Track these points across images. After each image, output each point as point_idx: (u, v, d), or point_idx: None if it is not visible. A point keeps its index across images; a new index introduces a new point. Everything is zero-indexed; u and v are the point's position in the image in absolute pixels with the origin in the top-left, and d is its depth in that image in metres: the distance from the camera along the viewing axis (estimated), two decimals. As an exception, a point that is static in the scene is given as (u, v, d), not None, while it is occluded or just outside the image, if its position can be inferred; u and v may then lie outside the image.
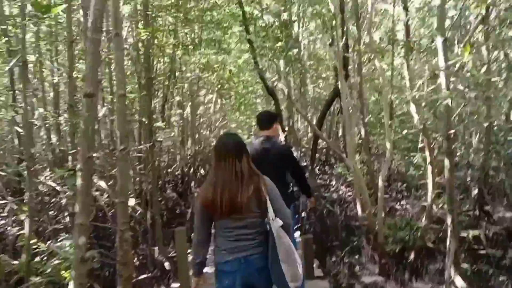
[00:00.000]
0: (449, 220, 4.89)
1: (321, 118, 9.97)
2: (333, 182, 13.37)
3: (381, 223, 7.45)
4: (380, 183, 7.47)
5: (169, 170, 15.15)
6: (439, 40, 4.68)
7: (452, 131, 4.80)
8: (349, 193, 13.24)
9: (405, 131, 8.76)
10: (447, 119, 4.78)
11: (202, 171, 20.06)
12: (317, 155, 17.77)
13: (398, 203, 9.87)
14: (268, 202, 2.70)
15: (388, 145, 7.40)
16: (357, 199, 8.44)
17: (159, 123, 7.18)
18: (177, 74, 13.52)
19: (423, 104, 5.82)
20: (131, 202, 5.36)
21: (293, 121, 14.97)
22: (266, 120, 4.16)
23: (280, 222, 2.69)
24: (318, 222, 10.08)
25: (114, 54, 4.25)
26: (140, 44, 7.00)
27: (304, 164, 14.72)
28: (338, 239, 9.84)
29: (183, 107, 16.26)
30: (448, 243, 4.96)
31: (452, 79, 5.02)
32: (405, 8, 6.61)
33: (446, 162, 4.83)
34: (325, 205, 10.30)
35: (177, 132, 18.25)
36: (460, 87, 5.74)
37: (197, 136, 17.30)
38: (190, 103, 15.33)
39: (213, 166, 2.84)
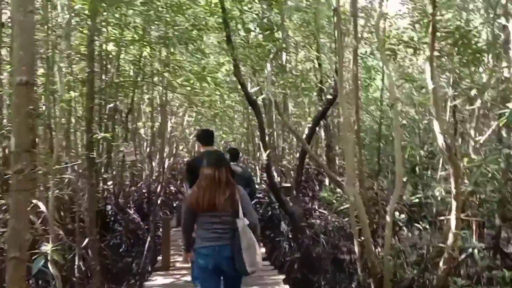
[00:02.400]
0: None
1: (310, 134, 8.44)
2: (316, 206, 11.74)
3: (389, 269, 5.86)
4: (388, 218, 5.91)
5: (133, 188, 13.23)
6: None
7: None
8: (334, 220, 11.68)
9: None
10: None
11: (172, 188, 18.13)
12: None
13: (396, 237, 8.28)
14: (240, 204, 3.37)
15: (398, 169, 5.86)
16: (354, 233, 6.83)
17: (104, 134, 5.30)
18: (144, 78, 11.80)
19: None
20: (47, 247, 3.56)
21: (273, 138, 13.37)
22: (210, 137, 4.81)
23: (247, 222, 3.36)
24: (302, 256, 8.39)
25: (13, 16, 2.53)
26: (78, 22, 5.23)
27: (287, 185, 13.07)
28: (326, 277, 8.20)
29: (152, 119, 14.49)
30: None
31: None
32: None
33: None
34: (311, 236, 8.65)
35: (145, 146, 16.38)
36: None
37: (167, 150, 15.50)
38: (159, 115, 13.55)
39: (200, 174, 3.47)
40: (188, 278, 2.73)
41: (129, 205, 12.52)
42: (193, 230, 3.49)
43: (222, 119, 17.12)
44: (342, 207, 8.46)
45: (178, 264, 6.19)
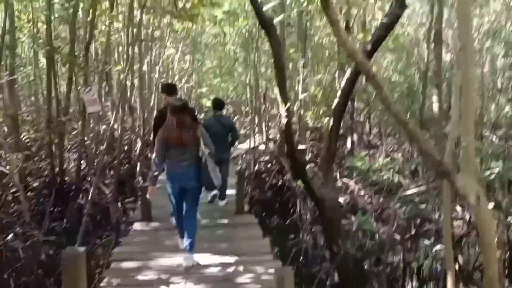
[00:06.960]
0: None
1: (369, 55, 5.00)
2: (350, 183, 8.64)
3: None
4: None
5: (102, 147, 10.02)
6: None
7: None
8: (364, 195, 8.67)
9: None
10: None
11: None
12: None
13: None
14: (201, 139, 4.36)
15: None
16: (447, 255, 3.75)
17: None
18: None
19: None
20: None
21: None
22: (173, 88, 5.78)
23: (207, 151, 4.38)
24: (340, 267, 5.37)
25: None
26: None
27: (301, 147, 9.89)
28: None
29: (128, 58, 11.06)
30: None
31: None
32: None
33: None
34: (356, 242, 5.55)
35: (120, 93, 13.03)
36: None
37: (153, 99, 12.24)
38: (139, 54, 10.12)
39: (169, 117, 4.36)
40: None
41: (98, 171, 9.44)
42: (163, 162, 4.36)
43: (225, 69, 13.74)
44: (406, 192, 5.36)
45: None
